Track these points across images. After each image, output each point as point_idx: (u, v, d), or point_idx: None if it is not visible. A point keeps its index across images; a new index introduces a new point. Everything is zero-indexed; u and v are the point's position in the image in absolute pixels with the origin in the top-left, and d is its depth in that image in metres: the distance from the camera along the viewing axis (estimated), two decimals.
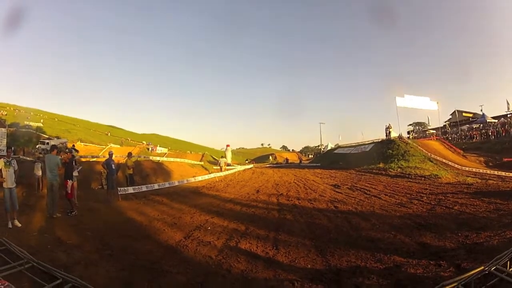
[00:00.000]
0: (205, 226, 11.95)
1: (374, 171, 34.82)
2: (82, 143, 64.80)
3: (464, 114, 69.95)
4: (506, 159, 34.19)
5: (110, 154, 19.43)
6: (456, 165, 32.47)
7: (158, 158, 46.00)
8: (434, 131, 64.26)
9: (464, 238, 8.61)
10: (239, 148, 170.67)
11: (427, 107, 59.60)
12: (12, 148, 14.59)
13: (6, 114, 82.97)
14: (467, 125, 61.13)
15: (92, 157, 42.51)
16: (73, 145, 42.83)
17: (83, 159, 34.46)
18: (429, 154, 37.04)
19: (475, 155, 40.09)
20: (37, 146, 46.17)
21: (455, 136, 57.00)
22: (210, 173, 38.59)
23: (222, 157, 55.54)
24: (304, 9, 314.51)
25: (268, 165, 74.01)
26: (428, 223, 10.80)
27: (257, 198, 19.69)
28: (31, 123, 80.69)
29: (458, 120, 66.82)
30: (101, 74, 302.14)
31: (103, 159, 23.01)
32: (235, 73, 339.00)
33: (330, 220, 12.51)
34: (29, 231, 10.42)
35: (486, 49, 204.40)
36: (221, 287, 6.52)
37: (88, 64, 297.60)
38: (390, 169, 33.44)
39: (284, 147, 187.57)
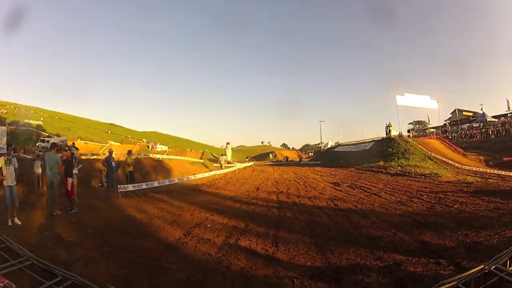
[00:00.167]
0: (205, 224, 11.98)
1: (374, 169, 34.77)
2: (82, 141, 64.74)
3: (464, 113, 69.98)
4: (506, 158, 34.09)
5: (110, 152, 19.45)
6: (456, 164, 32.43)
7: (158, 156, 46.12)
8: (434, 130, 64.20)
9: (464, 237, 8.60)
10: (239, 146, 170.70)
11: (427, 105, 59.51)
12: (13, 146, 14.61)
13: (6, 113, 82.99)
14: (467, 124, 61.03)
15: (92, 154, 42.47)
16: (73, 143, 42.88)
17: (83, 157, 34.52)
18: (429, 152, 36.99)
19: (475, 154, 40.02)
20: (37, 144, 46.17)
21: (455, 135, 56.92)
22: (210, 171, 38.62)
23: (222, 155, 55.78)
24: (304, 9, 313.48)
25: (268, 163, 73.92)
26: (428, 221, 10.79)
27: (257, 196, 19.72)
28: (31, 121, 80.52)
29: (458, 119, 66.81)
30: (101, 72, 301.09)
31: (103, 157, 23.00)
32: (235, 71, 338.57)
33: (330, 218, 12.52)
34: (29, 228, 10.48)
35: (486, 49, 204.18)
36: (220, 284, 6.53)
37: (88, 62, 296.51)
38: (390, 167, 33.37)
39: (284, 145, 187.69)
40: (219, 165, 47.52)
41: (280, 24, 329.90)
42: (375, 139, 51.34)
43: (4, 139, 38.15)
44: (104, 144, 65.73)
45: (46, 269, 6.09)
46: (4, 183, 10.83)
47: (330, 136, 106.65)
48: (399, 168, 32.47)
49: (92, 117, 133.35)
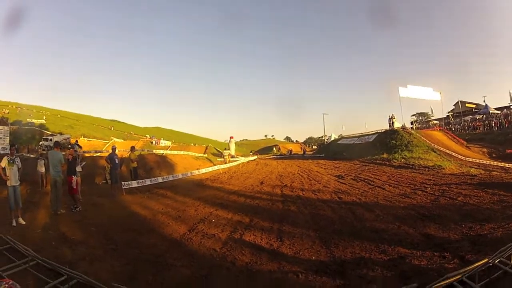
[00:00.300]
0: (209, 219, 12.00)
1: (377, 161, 34.77)
2: (85, 138, 65.06)
3: (467, 104, 69.76)
4: (509, 151, 33.95)
5: (113, 149, 19.51)
6: (459, 156, 32.34)
7: (161, 151, 46.09)
8: (437, 122, 64.03)
9: (468, 230, 8.57)
10: (243, 140, 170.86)
11: (430, 97, 59.31)
12: (16, 146, 14.65)
13: (8, 113, 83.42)
14: (470, 116, 60.87)
15: (96, 152, 42.55)
16: (76, 141, 43.13)
17: (86, 154, 34.57)
18: (432, 144, 36.88)
19: (478, 146, 39.89)
20: (40, 143, 46.43)
21: (458, 126, 56.76)
22: (214, 165, 38.65)
23: (225, 149, 55.78)
24: (307, 2, 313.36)
25: (271, 157, 74.07)
26: (432, 214, 10.76)
27: (261, 190, 19.75)
28: (34, 120, 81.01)
29: (461, 110, 66.64)
30: (103, 69, 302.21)
31: (107, 154, 23.04)
32: (238, 65, 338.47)
33: (334, 211, 12.52)
34: (34, 228, 10.49)
35: (490, 41, 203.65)
36: (225, 280, 6.53)
37: (89, 59, 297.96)
38: (393, 160, 33.36)
39: (287, 138, 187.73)
40: (223, 159, 47.59)
41: (283, 16, 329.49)
42: (378, 131, 51.26)
43: (7, 139, 38.14)
44: (107, 141, 65.93)
45: (51, 269, 6.10)
46: (8, 183, 10.85)
47: (333, 129, 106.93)
48: (402, 160, 32.45)
49: (94, 114, 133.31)
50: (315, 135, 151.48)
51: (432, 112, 69.74)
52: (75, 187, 14.01)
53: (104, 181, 23.01)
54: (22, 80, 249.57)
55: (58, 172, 13.12)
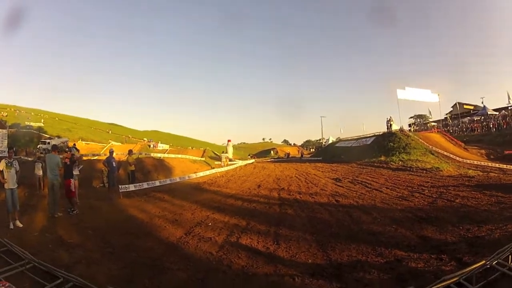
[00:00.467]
0: (206, 222, 11.98)
1: (375, 164, 34.92)
2: (83, 142, 64.97)
3: (465, 106, 69.91)
4: (507, 152, 34.13)
5: (111, 152, 19.54)
6: (457, 158, 32.51)
7: (159, 155, 46.15)
8: (435, 124, 64.31)
9: (466, 232, 8.58)
10: (240, 143, 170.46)
11: (428, 99, 59.64)
12: (14, 149, 14.67)
13: (6, 115, 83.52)
14: (468, 118, 61.14)
15: (93, 155, 42.56)
16: (74, 144, 42.99)
17: (84, 158, 34.55)
18: (430, 146, 37.08)
19: (476, 147, 40.08)
20: (38, 146, 46.38)
21: (456, 128, 57.04)
22: (212, 169, 38.71)
23: (223, 152, 55.83)
24: (304, 3, 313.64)
25: (269, 160, 74.32)
26: (430, 216, 10.78)
27: (258, 193, 19.71)
28: (32, 123, 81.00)
29: (459, 112, 66.79)
30: (101, 72, 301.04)
31: (104, 157, 23.03)
32: (235, 67, 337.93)
33: (331, 214, 12.52)
34: (31, 231, 10.52)
35: (487, 42, 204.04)
36: (222, 283, 6.51)
37: (87, 62, 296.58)
38: (391, 162, 33.49)
39: (285, 141, 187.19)
40: (220, 162, 47.64)
41: (279, 17, 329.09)
42: (376, 134, 51.45)
43: (5, 142, 38.19)
44: (105, 144, 65.95)
45: (48, 271, 6.09)
46: (6, 186, 10.89)
47: (331, 132, 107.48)
48: (400, 163, 32.55)
49: (92, 118, 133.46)
50: (313, 138, 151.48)
51: (430, 114, 70.09)
52: (73, 190, 14.02)
53: (101, 185, 23.00)
54: (20, 83, 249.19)
55: (56, 175, 13.14)
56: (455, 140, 44.04)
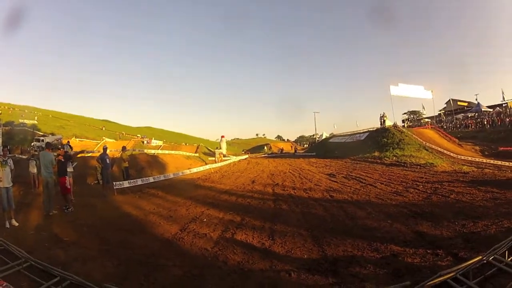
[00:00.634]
0: (201, 218, 11.98)
1: (369, 159, 34.94)
2: (77, 139, 64.93)
3: (459, 103, 70.21)
4: (502, 148, 34.14)
5: (104, 149, 19.41)
6: (451, 154, 32.53)
7: (153, 151, 46.12)
8: (429, 120, 64.47)
9: (461, 227, 8.58)
10: (234, 139, 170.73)
11: (422, 95, 59.86)
12: (8, 147, 14.60)
13: (0, 113, 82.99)
14: (462, 114, 61.26)
15: (87, 152, 42.46)
16: (68, 142, 42.99)
17: (79, 155, 34.50)
18: (424, 142, 37.09)
19: (470, 143, 40.09)
20: (32, 144, 46.27)
21: (450, 125, 57.08)
22: (205, 165, 38.70)
23: (217, 148, 55.82)
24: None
25: (263, 155, 74.29)
26: (425, 211, 10.78)
27: (253, 189, 19.74)
28: (26, 121, 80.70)
29: (453, 108, 66.95)
30: (94, 69, 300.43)
31: (98, 154, 22.96)
32: (229, 63, 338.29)
33: (326, 209, 12.52)
34: (27, 229, 10.50)
35: (482, 38, 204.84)
36: (217, 279, 6.49)
37: (81, 59, 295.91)
38: (385, 158, 33.53)
39: (279, 137, 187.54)
40: (214, 158, 47.61)
41: (274, 13, 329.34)
42: (369, 129, 51.59)
43: (0, 140, 38.09)
44: (98, 141, 65.86)
45: (44, 270, 6.07)
46: (0, 184, 10.81)
47: (325, 127, 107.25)
48: (394, 158, 32.60)
49: (86, 115, 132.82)
50: (307, 134, 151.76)
51: (424, 110, 70.15)
52: (69, 187, 14.01)
53: (95, 182, 22.95)
54: (14, 81, 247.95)
55: (50, 173, 13.08)
56: (449, 136, 44.09)
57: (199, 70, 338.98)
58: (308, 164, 37.18)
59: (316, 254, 7.57)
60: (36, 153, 26.02)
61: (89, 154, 38.43)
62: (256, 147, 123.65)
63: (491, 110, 53.80)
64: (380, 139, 41.97)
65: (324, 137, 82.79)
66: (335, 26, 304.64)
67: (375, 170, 25.82)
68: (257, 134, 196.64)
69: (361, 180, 20.26)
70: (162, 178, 25.16)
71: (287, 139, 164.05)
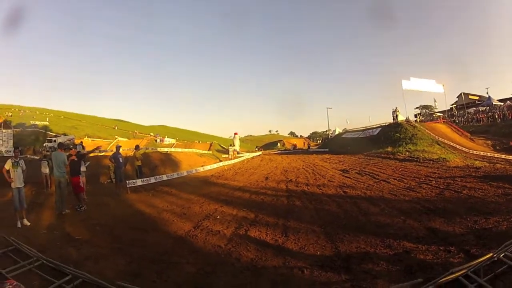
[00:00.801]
0: (214, 215, 12.04)
1: (382, 155, 34.69)
2: (89, 138, 65.06)
3: (470, 96, 69.63)
4: None
5: (117, 148, 19.51)
6: (463, 149, 32.28)
7: (166, 149, 46.19)
8: (441, 114, 63.93)
9: (473, 223, 8.53)
10: (247, 136, 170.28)
11: (433, 89, 59.39)
12: (20, 148, 14.68)
13: (11, 115, 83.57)
14: (474, 108, 60.73)
15: (100, 151, 42.68)
16: (81, 142, 43.30)
17: (91, 154, 34.72)
18: (436, 137, 36.81)
19: (482, 138, 39.75)
20: (44, 145, 46.54)
21: (462, 119, 56.62)
22: (219, 162, 38.76)
23: (230, 145, 55.89)
24: None
25: (276, 152, 74.14)
26: (437, 207, 10.73)
27: (266, 185, 19.80)
28: (37, 122, 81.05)
29: (465, 102, 66.45)
30: (106, 69, 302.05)
31: (111, 153, 23.07)
32: (241, 60, 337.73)
33: (339, 205, 12.52)
34: (39, 229, 10.61)
35: (493, 32, 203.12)
36: (230, 276, 6.51)
37: (92, 59, 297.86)
38: (398, 153, 33.28)
39: (292, 133, 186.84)
40: (228, 155, 47.70)
41: (285, 9, 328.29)
42: (382, 124, 51.11)
43: (11, 142, 38.45)
44: (111, 141, 66.13)
45: (56, 269, 6.15)
46: (12, 185, 10.97)
47: (337, 123, 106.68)
48: (407, 153, 32.35)
49: (98, 114, 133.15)
50: (320, 130, 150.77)
51: (436, 105, 69.73)
52: (82, 186, 14.13)
53: (109, 180, 23.08)
54: (25, 83, 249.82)
55: (63, 172, 13.19)
56: (461, 130, 43.70)
57: (212, 68, 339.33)
58: (322, 160, 37.08)
59: (329, 250, 7.57)
60: (48, 153, 26.14)
61: (102, 153, 38.66)
62: (269, 144, 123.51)
63: (502, 103, 53.31)
64: (393, 134, 41.68)
65: (337, 132, 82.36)
66: (348, 21, 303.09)
67: (388, 166, 25.70)
68: (270, 131, 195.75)
69: (375, 175, 20.19)
70: (175, 176, 25.17)
71: (300, 135, 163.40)
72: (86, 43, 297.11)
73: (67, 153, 14.69)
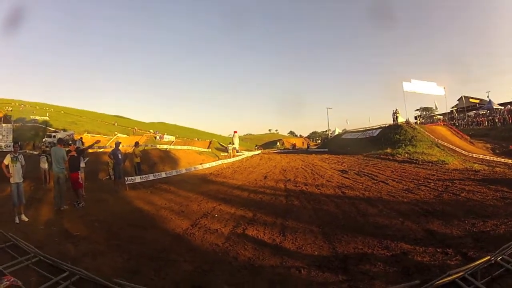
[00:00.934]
0: (212, 214, 12.04)
1: (381, 156, 34.71)
2: (89, 134, 65.07)
3: (471, 100, 69.57)
4: None
5: (117, 144, 19.49)
6: (463, 151, 32.33)
7: (165, 147, 46.26)
8: (441, 117, 63.96)
9: (471, 226, 8.58)
10: (247, 134, 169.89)
11: (434, 92, 59.37)
12: (19, 143, 14.66)
13: (11, 110, 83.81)
14: (474, 111, 60.75)
15: (99, 147, 42.65)
16: (81, 138, 43.29)
17: (90, 150, 34.73)
18: (436, 139, 36.88)
19: (482, 141, 39.73)
20: (44, 140, 46.57)
21: (462, 122, 56.62)
22: (218, 160, 38.78)
23: (230, 143, 55.87)
24: None
25: (275, 151, 74.14)
26: (435, 209, 10.77)
27: (265, 184, 19.82)
28: (37, 117, 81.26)
29: (465, 106, 66.44)
30: (107, 65, 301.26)
31: (110, 150, 23.04)
32: (241, 59, 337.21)
33: (338, 206, 12.55)
34: (37, 224, 10.58)
35: (494, 36, 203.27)
36: (228, 275, 6.53)
37: (93, 55, 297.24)
38: (397, 155, 33.30)
39: (291, 133, 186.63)
40: (227, 154, 47.70)
41: (285, 8, 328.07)
42: (382, 126, 51.22)
43: (10, 137, 38.52)
44: (111, 137, 66.19)
45: (53, 265, 6.14)
46: (11, 180, 10.93)
47: (337, 123, 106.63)
48: (406, 155, 32.37)
49: (98, 110, 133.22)
50: (319, 130, 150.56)
51: (436, 107, 69.70)
52: (81, 182, 14.10)
53: (107, 177, 22.98)
54: (25, 78, 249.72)
55: (62, 168, 13.15)
56: (461, 133, 43.75)
57: (213, 67, 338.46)
58: (321, 160, 37.07)
59: (326, 251, 7.59)
60: (48, 149, 26.14)
61: (101, 150, 38.63)
62: (269, 143, 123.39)
63: (503, 107, 53.32)
64: (392, 135, 41.72)
65: (336, 133, 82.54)
66: (349, 21, 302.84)
67: (387, 167, 25.73)
68: (269, 130, 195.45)
69: (373, 176, 20.23)
70: (174, 173, 25.11)
71: (300, 135, 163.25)
72: (87, 40, 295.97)
73: (66, 149, 14.65)
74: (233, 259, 7.31)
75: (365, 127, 58.65)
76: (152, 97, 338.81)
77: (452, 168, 23.16)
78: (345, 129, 79.50)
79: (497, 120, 47.33)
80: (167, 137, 75.82)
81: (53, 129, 65.87)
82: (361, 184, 17.32)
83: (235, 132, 65.14)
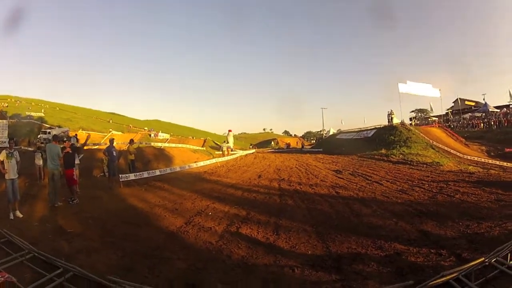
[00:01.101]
0: (206, 212, 12.03)
1: (376, 157, 34.68)
2: (84, 131, 64.84)
3: (466, 102, 69.76)
4: (508, 150, 33.91)
5: (111, 141, 19.43)
6: (458, 153, 32.36)
7: (160, 144, 46.19)
8: (436, 119, 64.12)
9: (465, 228, 8.58)
10: (241, 133, 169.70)
11: (430, 94, 59.42)
12: (14, 140, 14.62)
13: (7, 106, 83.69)
14: (469, 114, 60.93)
15: (94, 144, 42.54)
16: (76, 134, 43.17)
17: (85, 147, 34.70)
18: (431, 141, 36.86)
19: (477, 144, 39.83)
20: (39, 136, 46.52)
21: (457, 124, 56.76)
22: (212, 158, 38.71)
23: (224, 141, 55.82)
24: None
25: (270, 150, 74.15)
26: (430, 210, 10.79)
27: (259, 183, 19.82)
28: (33, 114, 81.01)
29: (461, 108, 66.61)
30: (101, 62, 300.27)
31: (105, 147, 22.99)
32: (235, 57, 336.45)
33: (332, 205, 12.56)
34: (31, 221, 10.56)
35: (490, 38, 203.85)
36: (221, 273, 6.53)
37: (88, 51, 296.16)
38: (392, 155, 33.29)
39: (286, 132, 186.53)
40: (221, 152, 47.67)
41: (279, 7, 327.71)
42: (377, 126, 51.13)
43: (6, 133, 38.31)
44: (105, 134, 66.12)
45: (47, 262, 6.12)
46: (6, 176, 10.91)
47: (332, 123, 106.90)
48: (401, 156, 32.36)
49: (93, 107, 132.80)
50: (314, 130, 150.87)
51: (431, 109, 69.93)
52: (76, 178, 14.08)
53: (102, 174, 22.95)
54: (21, 74, 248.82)
55: (56, 165, 13.12)
56: (456, 135, 43.84)
57: (207, 64, 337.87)
58: (315, 160, 37.10)
59: (320, 250, 7.59)
60: (42, 145, 26.09)
61: (95, 147, 38.56)
62: (263, 142, 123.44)
63: (498, 110, 53.48)
64: (387, 136, 41.64)
65: (331, 133, 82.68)
66: (344, 21, 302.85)
67: (382, 168, 25.73)
68: (264, 129, 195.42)
69: (367, 177, 20.23)
70: (168, 171, 25.12)
71: (294, 134, 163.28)
72: (82, 36, 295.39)
73: (61, 146, 14.61)
74: (227, 258, 7.30)
75: (360, 128, 58.58)
76: (148, 95, 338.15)
77: (446, 169, 23.20)
78: (339, 129, 79.58)
79: (492, 123, 47.44)
80: (161, 135, 75.57)
81: (48, 126, 65.83)
82: (355, 184, 17.33)
83: (229, 130, 65.12)
